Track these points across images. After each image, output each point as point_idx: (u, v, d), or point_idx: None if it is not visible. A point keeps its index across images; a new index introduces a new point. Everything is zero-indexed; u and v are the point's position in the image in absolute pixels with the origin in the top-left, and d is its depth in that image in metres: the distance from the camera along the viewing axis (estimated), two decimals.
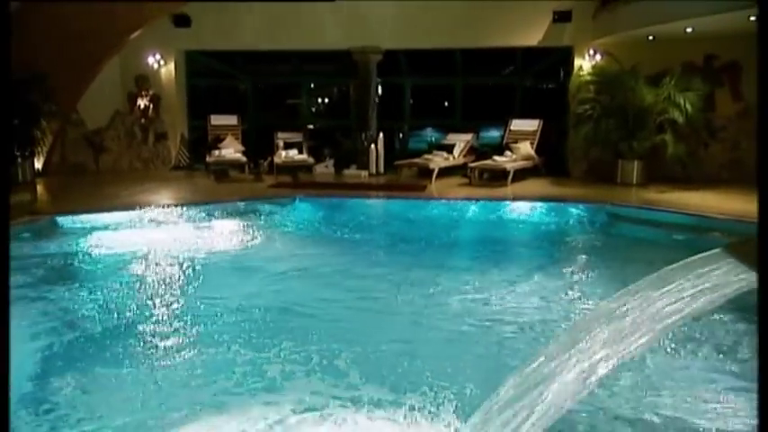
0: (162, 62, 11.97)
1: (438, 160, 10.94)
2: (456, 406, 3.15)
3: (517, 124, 11.52)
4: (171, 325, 4.46)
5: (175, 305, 4.95)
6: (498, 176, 10.44)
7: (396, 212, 8.68)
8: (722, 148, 10.52)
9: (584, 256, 6.75)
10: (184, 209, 7.89)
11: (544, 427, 1.71)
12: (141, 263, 6.03)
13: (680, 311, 1.89)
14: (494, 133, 12.76)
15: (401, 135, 13.54)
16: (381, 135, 11.64)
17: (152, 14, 11.07)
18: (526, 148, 11.03)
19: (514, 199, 9.04)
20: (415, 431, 3.02)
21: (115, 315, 4.63)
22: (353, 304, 5.05)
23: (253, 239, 7.20)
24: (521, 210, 8.62)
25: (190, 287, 5.40)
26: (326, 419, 3.15)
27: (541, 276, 5.70)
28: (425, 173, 10.79)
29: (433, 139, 13.32)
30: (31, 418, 3.15)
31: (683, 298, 1.93)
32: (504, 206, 8.66)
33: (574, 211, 8.37)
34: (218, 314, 4.65)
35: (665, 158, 9.87)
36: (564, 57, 11.34)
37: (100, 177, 11.36)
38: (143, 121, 12.12)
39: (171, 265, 6.01)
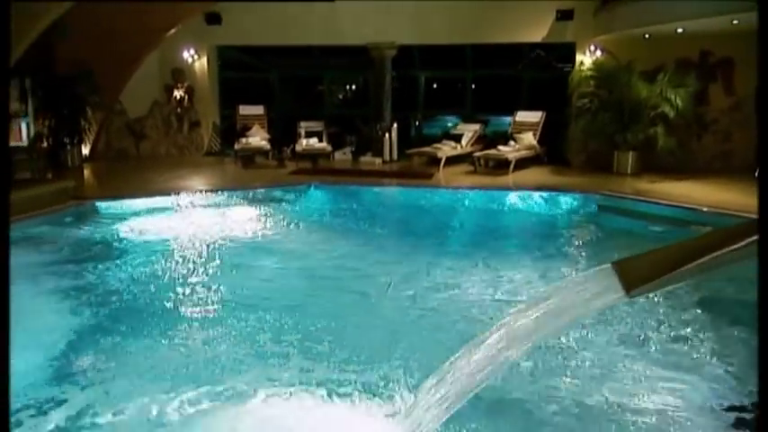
0: (196, 56, 12.78)
1: (446, 149, 11.53)
2: None
3: (522, 116, 12.01)
4: (198, 297, 5.20)
5: (199, 280, 5.69)
6: (502, 165, 10.96)
7: (398, 199, 9.37)
8: (714, 140, 10.89)
9: (558, 245, 7.16)
10: (211, 194, 8.68)
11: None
12: (172, 243, 6.80)
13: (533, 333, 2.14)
14: (507, 120, 13.24)
15: (417, 123, 14.11)
16: (395, 125, 12.26)
17: (186, 13, 11.86)
18: (529, 138, 11.53)
19: (510, 188, 9.58)
20: None
21: (155, 287, 5.38)
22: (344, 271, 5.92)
23: (271, 222, 7.96)
24: (513, 198, 9.10)
25: (213, 265, 6.14)
26: None
27: (500, 262, 6.17)
28: (435, 161, 11.40)
29: (450, 123, 13.88)
30: (92, 373, 3.83)
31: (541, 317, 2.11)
32: (497, 195, 9.19)
33: (562, 200, 8.84)
34: (240, 282, 5.46)
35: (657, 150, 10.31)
36: (567, 52, 11.74)
37: (140, 163, 12.25)
38: (179, 110, 12.98)
39: (197, 245, 6.76)
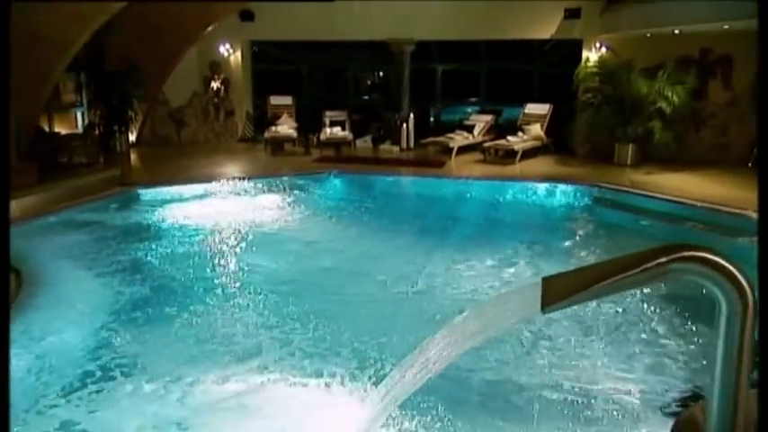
0: (231, 51, 13.57)
1: (459, 139, 12.12)
2: None
3: (531, 108, 12.49)
4: (226, 275, 6.04)
5: (227, 258, 6.54)
6: (509, 155, 11.49)
7: (408, 187, 10.06)
8: (712, 133, 11.23)
9: (544, 236, 7.59)
10: (241, 182, 9.50)
11: None
12: (207, 227, 7.59)
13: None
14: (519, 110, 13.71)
15: (435, 112, 14.69)
16: (412, 115, 12.88)
17: (223, 12, 12.62)
18: (536, 129, 12.03)
19: (512, 178, 10.09)
20: None
21: (191, 266, 6.15)
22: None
23: (293, 206, 8.81)
24: (514, 188, 9.66)
25: (239, 245, 6.98)
26: None
27: (478, 250, 6.75)
28: (448, 149, 11.99)
29: (470, 109, 14.42)
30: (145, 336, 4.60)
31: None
32: (499, 186, 9.72)
33: (558, 191, 9.35)
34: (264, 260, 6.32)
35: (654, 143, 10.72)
36: (574, 48, 12.13)
37: (180, 149, 13.16)
38: (215, 100, 13.83)
39: (227, 229, 7.57)
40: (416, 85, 13.39)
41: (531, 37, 12.39)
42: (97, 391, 3.77)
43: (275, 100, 13.52)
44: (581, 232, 8.13)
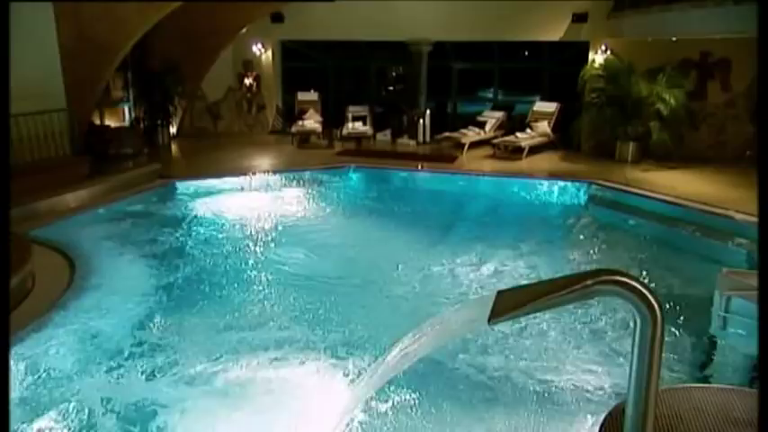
0: (263, 50, 14.26)
1: (471, 135, 12.58)
2: None
3: (539, 105, 12.87)
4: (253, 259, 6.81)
5: (254, 245, 7.30)
6: (517, 150, 11.93)
7: (419, 182, 10.65)
8: (709, 132, 11.48)
9: (531, 232, 8.04)
10: (268, 175, 10.23)
11: None
12: (234, 217, 8.44)
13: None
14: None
15: (451, 107, 15.12)
16: (428, 111, 13.38)
17: (255, 14, 13.28)
18: (544, 126, 12.42)
19: (516, 174, 10.50)
20: None
21: (223, 252, 7.03)
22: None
23: (317, 196, 9.64)
24: (517, 185, 10.11)
25: (265, 234, 7.79)
26: None
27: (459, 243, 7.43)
28: (460, 145, 12.46)
29: (488, 96, 14.86)
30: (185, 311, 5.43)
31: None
32: (504, 181, 10.19)
33: (556, 188, 9.82)
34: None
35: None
36: (582, 50, 12.41)
37: (216, 140, 13.90)
38: (248, 95, 14.57)
39: (253, 219, 8.38)
40: (434, 81, 13.87)
41: (540, 39, 12.73)
42: (145, 354, 4.56)
43: (302, 96, 14.13)
44: (571, 224, 8.63)
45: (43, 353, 4.40)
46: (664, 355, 1.46)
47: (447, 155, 12.11)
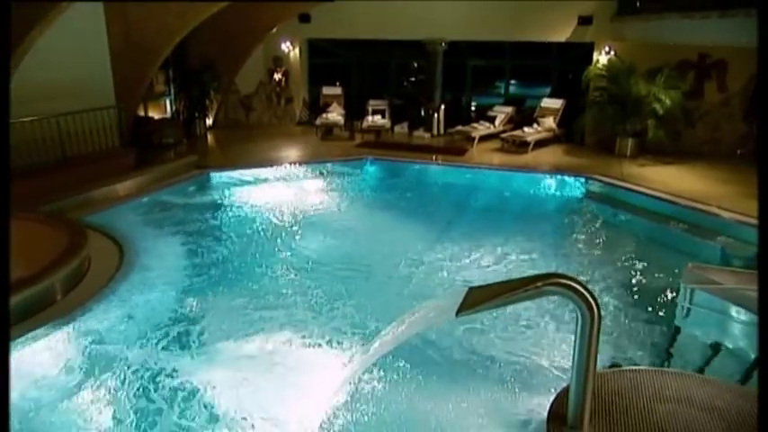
0: (291, 47, 14.89)
1: (481, 129, 13.06)
2: None
3: (546, 102, 13.25)
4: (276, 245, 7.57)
5: (276, 233, 8.04)
6: (524, 144, 12.35)
7: (428, 174, 11.20)
8: (705, 129, 11.74)
9: (520, 226, 8.53)
10: (293, 167, 10.94)
11: None
12: (262, 204, 9.21)
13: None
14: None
15: (465, 101, 15.53)
16: (443, 106, 13.84)
17: (285, 15, 13.89)
18: (549, 122, 12.81)
19: (520, 168, 10.94)
20: None
21: (250, 238, 7.80)
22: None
23: (336, 188, 10.37)
24: (517, 178, 10.61)
25: (290, 220, 8.59)
26: None
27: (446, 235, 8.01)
28: (471, 138, 12.93)
29: (501, 92, 15.26)
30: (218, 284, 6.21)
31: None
32: (505, 175, 10.69)
33: (553, 183, 10.29)
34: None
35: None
36: (587, 51, 12.69)
37: (248, 131, 14.66)
38: (277, 89, 15.26)
39: (279, 207, 9.12)
40: (450, 77, 14.30)
41: (548, 39, 13.05)
42: (184, 331, 5.31)
43: (327, 90, 14.76)
44: (566, 218, 9.11)
45: (101, 323, 5.20)
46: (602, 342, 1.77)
47: (458, 148, 12.60)
